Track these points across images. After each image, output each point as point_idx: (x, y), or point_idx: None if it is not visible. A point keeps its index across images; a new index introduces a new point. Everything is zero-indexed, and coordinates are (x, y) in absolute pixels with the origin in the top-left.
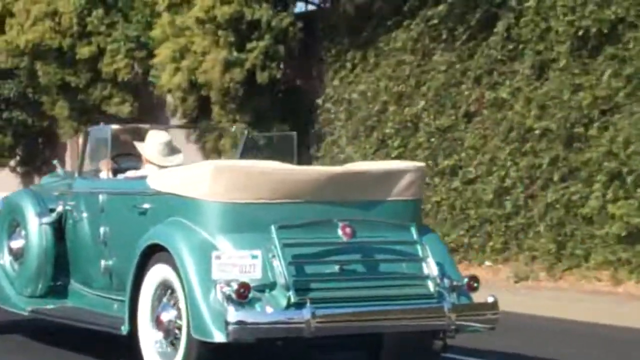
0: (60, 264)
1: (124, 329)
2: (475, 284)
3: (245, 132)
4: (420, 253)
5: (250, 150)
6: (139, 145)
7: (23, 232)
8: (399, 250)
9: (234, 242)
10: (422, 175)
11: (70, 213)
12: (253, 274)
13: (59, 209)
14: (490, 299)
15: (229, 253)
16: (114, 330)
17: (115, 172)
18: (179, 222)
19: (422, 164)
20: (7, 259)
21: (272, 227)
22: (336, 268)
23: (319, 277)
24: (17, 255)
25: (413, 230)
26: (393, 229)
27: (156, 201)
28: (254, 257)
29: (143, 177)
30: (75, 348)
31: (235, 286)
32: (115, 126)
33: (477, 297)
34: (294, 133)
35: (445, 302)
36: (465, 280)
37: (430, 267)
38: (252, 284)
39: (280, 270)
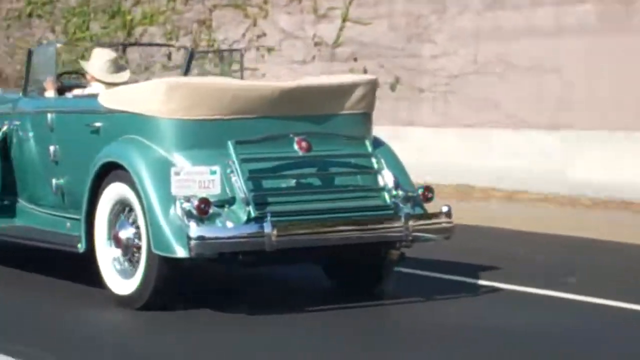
0: (6, 183)
1: (81, 247)
2: (430, 194)
3: (190, 48)
4: (375, 165)
5: (195, 68)
6: (84, 64)
7: None
8: (354, 163)
9: (191, 158)
10: (373, 88)
11: (16, 132)
12: (212, 190)
13: (3, 128)
14: (444, 208)
15: (188, 169)
16: (69, 249)
17: (61, 91)
18: (134, 139)
19: (373, 77)
20: None
21: (229, 143)
22: (293, 182)
23: (277, 192)
24: None
25: (367, 143)
26: (347, 142)
27: (108, 119)
28: (213, 172)
29: (94, 96)
30: (25, 267)
31: (195, 202)
32: (59, 44)
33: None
34: (242, 48)
35: (402, 213)
36: (420, 190)
37: (385, 179)
38: (211, 200)
39: (239, 185)
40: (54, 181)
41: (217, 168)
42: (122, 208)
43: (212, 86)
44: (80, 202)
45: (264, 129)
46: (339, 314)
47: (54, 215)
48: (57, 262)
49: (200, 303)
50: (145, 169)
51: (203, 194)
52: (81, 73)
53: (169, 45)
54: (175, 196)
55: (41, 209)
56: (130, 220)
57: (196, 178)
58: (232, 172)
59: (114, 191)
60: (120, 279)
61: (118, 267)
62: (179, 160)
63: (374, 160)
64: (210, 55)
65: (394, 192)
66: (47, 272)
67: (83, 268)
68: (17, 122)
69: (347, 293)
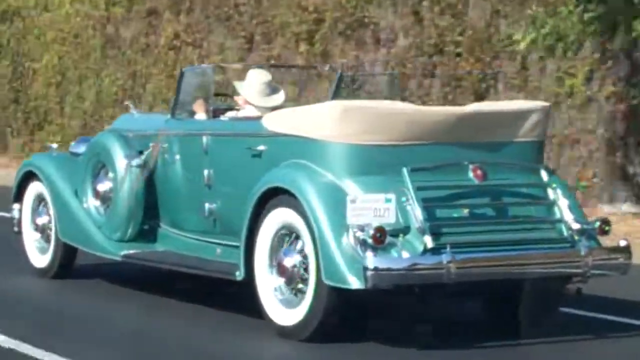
0: (148, 207)
1: (239, 275)
2: (607, 228)
3: (339, 71)
4: (550, 196)
5: (344, 91)
6: (238, 85)
7: (110, 175)
8: (529, 193)
9: (363, 185)
10: (547, 114)
11: (162, 155)
12: (387, 219)
13: (149, 151)
14: (622, 243)
15: (363, 197)
16: (225, 276)
17: (212, 113)
18: (302, 164)
19: (547, 103)
20: (92, 203)
21: (404, 170)
22: (468, 212)
23: (453, 221)
24: (104, 199)
25: (543, 173)
26: (522, 171)
27: (272, 143)
28: (388, 200)
29: (256, 118)
30: (166, 293)
31: (371, 231)
32: (216, 65)
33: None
34: (396, 72)
35: (580, 246)
36: (597, 223)
37: (562, 210)
38: (386, 229)
39: (414, 214)
40: (206, 205)
41: (392, 196)
42: (286, 235)
43: (388, 110)
44: (234, 227)
45: (438, 155)
46: (504, 351)
47: (201, 240)
48: (197, 290)
49: (361, 335)
50: (315, 195)
51: (378, 222)
52: (229, 95)
53: (312, 67)
54: (349, 224)
55: (186, 234)
56: (297, 248)
57: (371, 206)
58: (406, 200)
59: (278, 217)
60: (283, 309)
61: (280, 296)
62: (351, 187)
63: (549, 190)
64: (358, 78)
65: (570, 225)
66: (188, 299)
67: (233, 296)
68: (165, 145)
69: (506, 329)
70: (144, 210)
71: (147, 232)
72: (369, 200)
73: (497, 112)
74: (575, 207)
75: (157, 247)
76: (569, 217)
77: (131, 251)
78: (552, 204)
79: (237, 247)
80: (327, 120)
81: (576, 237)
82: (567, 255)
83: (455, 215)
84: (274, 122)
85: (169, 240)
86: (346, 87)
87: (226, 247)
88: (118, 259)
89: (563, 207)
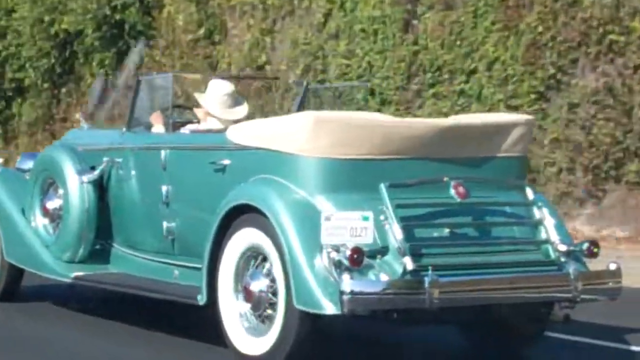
0: (100, 226)
1: (201, 299)
2: (596, 250)
3: (305, 82)
4: (536, 215)
5: (310, 104)
6: (199, 97)
7: (61, 192)
8: (514, 212)
9: (338, 202)
10: (531, 129)
11: (116, 170)
12: (364, 238)
13: (102, 166)
14: (612, 266)
15: (339, 215)
16: (185, 300)
17: (171, 126)
18: (271, 180)
19: (531, 116)
20: (40, 221)
21: (382, 186)
22: (449, 232)
23: (434, 242)
24: (53, 217)
25: (528, 191)
26: (505, 188)
27: (238, 157)
28: (365, 218)
29: (219, 130)
30: (126, 319)
31: (347, 251)
32: (175, 74)
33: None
34: (367, 84)
35: (568, 270)
36: (585, 245)
37: (548, 231)
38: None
39: (393, 233)
40: (164, 224)
41: (369, 214)
42: (253, 257)
43: (364, 122)
44: (194, 248)
45: (418, 171)
46: None
47: (158, 262)
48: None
49: None
50: (286, 213)
51: (354, 242)
52: (188, 107)
53: (274, 79)
54: (323, 244)
55: (141, 255)
56: (264, 271)
57: (347, 225)
58: (385, 218)
59: (244, 238)
60: (249, 337)
61: (246, 324)
62: (324, 204)
63: (535, 210)
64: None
65: (557, 247)
66: (144, 324)
67: (193, 322)
68: (119, 160)
69: (486, 354)
70: (96, 230)
71: (99, 253)
72: (345, 219)
73: (480, 125)
74: (562, 228)
75: (110, 269)
76: (555, 238)
77: (82, 273)
78: (537, 223)
79: (197, 269)
80: (298, 133)
81: (563, 260)
82: (555, 279)
83: (436, 235)
84: (239, 135)
85: (123, 262)
86: (313, 98)
87: (185, 268)
88: (68, 280)
89: (549, 228)
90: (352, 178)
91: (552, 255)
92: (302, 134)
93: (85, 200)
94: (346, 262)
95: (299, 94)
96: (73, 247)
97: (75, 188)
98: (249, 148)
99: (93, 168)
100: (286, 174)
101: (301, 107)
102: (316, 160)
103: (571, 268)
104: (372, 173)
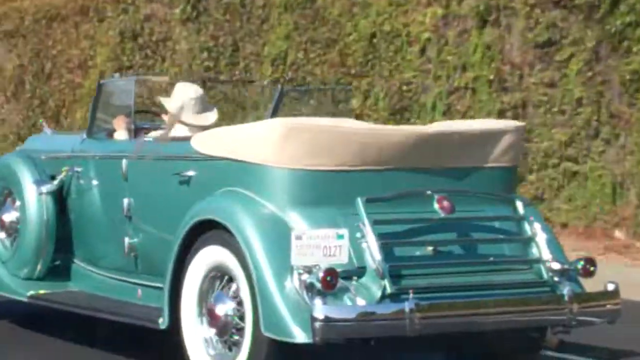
0: (59, 240)
1: (162, 323)
2: (592, 268)
3: (279, 86)
4: (528, 231)
5: (285, 109)
6: (165, 101)
7: (17, 203)
8: (503, 227)
9: (310, 218)
10: (521, 136)
11: (76, 180)
12: (338, 258)
13: (61, 175)
14: (610, 287)
15: (311, 232)
16: (145, 323)
17: (134, 132)
18: (238, 193)
19: (521, 123)
20: None
21: (358, 201)
22: (433, 250)
23: (416, 262)
24: (10, 231)
25: (518, 204)
26: (494, 202)
27: (203, 167)
28: (340, 237)
29: (183, 139)
30: (86, 341)
31: (320, 273)
32: (138, 77)
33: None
34: (350, 86)
35: (563, 291)
36: (581, 263)
37: (540, 248)
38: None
39: (371, 253)
40: (126, 240)
41: (345, 231)
42: (218, 277)
43: (338, 130)
44: (158, 266)
45: (397, 183)
46: None
47: (121, 280)
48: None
49: None
50: (253, 230)
51: (327, 263)
52: (154, 112)
53: (249, 82)
54: (293, 265)
55: (103, 272)
56: (230, 293)
57: (320, 243)
58: (361, 236)
59: (209, 256)
60: None
61: (212, 351)
62: (295, 220)
63: (526, 225)
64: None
65: (550, 265)
66: (103, 347)
67: (156, 345)
68: (79, 169)
69: None
70: (56, 244)
71: (59, 269)
72: (318, 237)
73: (465, 132)
74: (555, 244)
75: (70, 286)
76: (547, 256)
77: (40, 291)
78: (529, 240)
79: (161, 289)
80: (267, 142)
81: (557, 280)
82: (548, 302)
83: (418, 254)
84: (205, 144)
85: (83, 279)
86: (288, 103)
87: (148, 288)
88: (24, 299)
89: (541, 245)
90: (325, 191)
91: (545, 275)
92: (272, 143)
93: (44, 213)
94: (318, 285)
95: (273, 99)
96: (31, 262)
97: (33, 199)
98: (214, 158)
99: (53, 177)
100: (253, 186)
101: (275, 113)
102: (286, 171)
103: (565, 289)
104: (346, 186)
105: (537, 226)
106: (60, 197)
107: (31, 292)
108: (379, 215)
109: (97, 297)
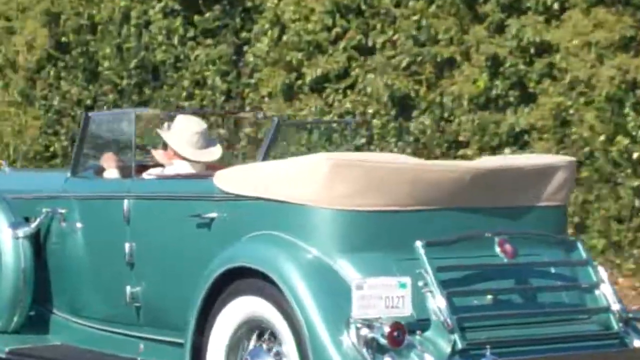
0: (38, 288)
1: None
2: None
3: (276, 118)
4: (594, 277)
5: (281, 142)
6: (165, 136)
7: None
8: (568, 274)
9: (361, 265)
10: (574, 172)
11: (58, 223)
12: (401, 310)
13: (41, 217)
14: None
15: (372, 281)
16: None
17: (125, 170)
18: (276, 237)
19: (572, 158)
20: None
21: (419, 245)
22: (498, 299)
23: (483, 312)
24: None
25: (580, 247)
26: (548, 244)
27: (229, 208)
28: (403, 285)
29: (205, 176)
30: None
31: (385, 328)
32: (139, 111)
33: None
34: (351, 119)
35: (633, 341)
36: None
37: (607, 296)
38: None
39: (436, 303)
40: (127, 288)
41: (407, 280)
42: (251, 331)
43: (391, 166)
44: (165, 317)
45: (452, 224)
46: None
47: (115, 332)
48: None
49: None
50: (301, 279)
51: (390, 315)
52: (146, 148)
53: (239, 113)
54: (352, 319)
55: (92, 324)
56: (272, 350)
57: (382, 293)
58: (425, 285)
59: (241, 308)
60: None
61: None
62: (344, 267)
63: (590, 270)
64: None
65: (617, 314)
66: None
67: None
68: (63, 210)
69: None
70: (33, 293)
71: (35, 320)
72: (379, 286)
73: (520, 168)
74: (614, 291)
75: (50, 339)
76: (615, 304)
77: (19, 345)
78: (595, 287)
79: (168, 343)
80: (311, 179)
81: (622, 329)
82: (619, 355)
83: (484, 303)
84: (231, 182)
85: (64, 330)
86: (285, 136)
87: (152, 342)
88: (2, 355)
89: (607, 292)
90: (376, 234)
91: (615, 325)
92: (315, 180)
93: (21, 259)
94: (383, 341)
95: (270, 132)
96: (7, 313)
97: (9, 244)
98: (243, 198)
99: (27, 220)
100: (294, 229)
101: (270, 148)
102: (333, 212)
103: (634, 340)
104: (399, 228)
105: (600, 272)
106: (37, 242)
107: (10, 347)
108: (440, 261)
109: (86, 351)
